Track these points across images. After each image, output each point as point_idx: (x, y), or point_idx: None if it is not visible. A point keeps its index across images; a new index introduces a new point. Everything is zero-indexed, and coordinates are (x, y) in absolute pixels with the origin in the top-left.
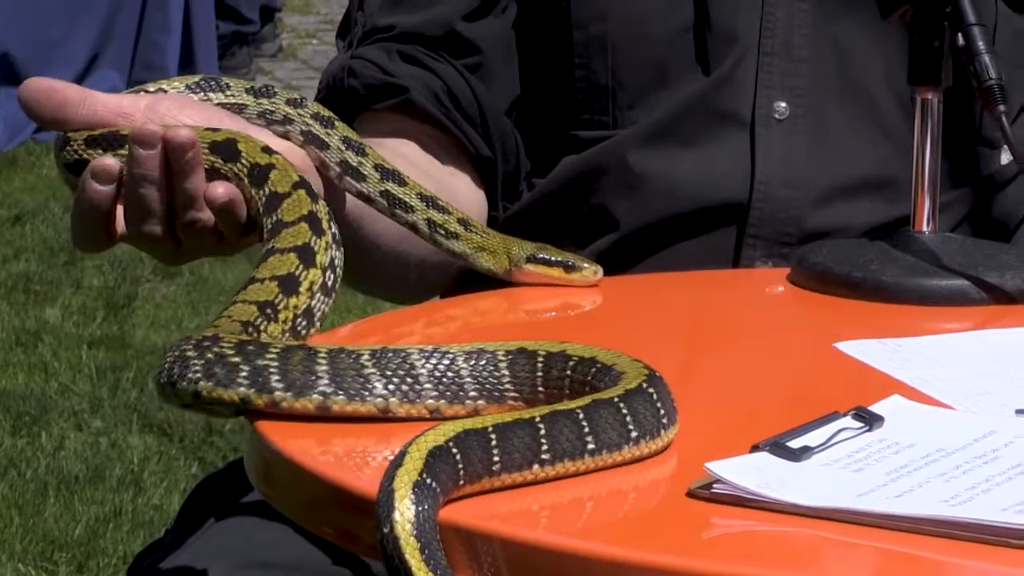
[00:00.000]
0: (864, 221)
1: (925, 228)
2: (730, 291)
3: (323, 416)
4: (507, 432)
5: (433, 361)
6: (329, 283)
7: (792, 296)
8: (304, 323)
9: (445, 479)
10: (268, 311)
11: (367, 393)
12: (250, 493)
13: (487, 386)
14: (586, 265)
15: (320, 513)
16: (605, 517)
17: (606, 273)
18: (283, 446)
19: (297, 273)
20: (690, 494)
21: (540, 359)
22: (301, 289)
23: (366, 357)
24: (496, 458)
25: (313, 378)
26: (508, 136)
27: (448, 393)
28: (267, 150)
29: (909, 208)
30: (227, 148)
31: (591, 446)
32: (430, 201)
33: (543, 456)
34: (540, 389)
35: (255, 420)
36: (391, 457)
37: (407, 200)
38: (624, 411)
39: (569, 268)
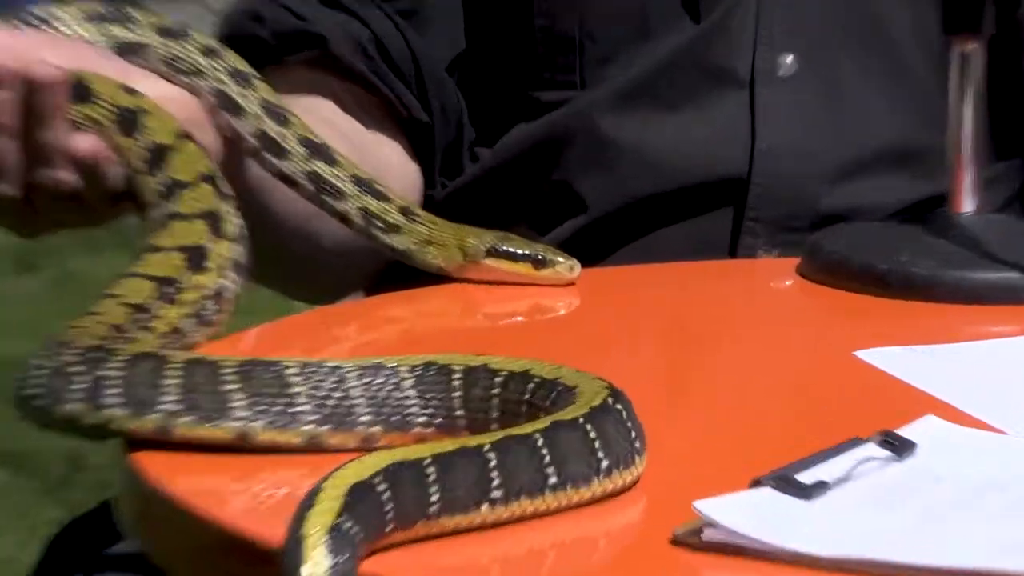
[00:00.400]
0: (890, 200)
1: (966, 208)
2: (725, 286)
3: (183, 442)
4: (449, 464)
5: (315, 378)
6: (241, 259)
7: (802, 292)
8: (214, 307)
9: (369, 523)
10: (168, 289)
11: (223, 416)
12: (123, 542)
13: (384, 410)
14: (560, 259)
15: (212, 566)
16: (571, 570)
17: None
18: (164, 483)
19: (206, 244)
20: (675, 540)
21: (456, 376)
22: (210, 264)
23: (230, 371)
24: (434, 497)
25: (158, 394)
26: (449, 97)
27: (333, 418)
28: (128, 89)
29: (944, 184)
30: (77, 90)
31: (553, 480)
32: (366, 185)
33: (494, 494)
34: (459, 413)
35: (130, 450)
36: (302, 496)
37: (338, 184)
38: (592, 435)
39: (539, 263)
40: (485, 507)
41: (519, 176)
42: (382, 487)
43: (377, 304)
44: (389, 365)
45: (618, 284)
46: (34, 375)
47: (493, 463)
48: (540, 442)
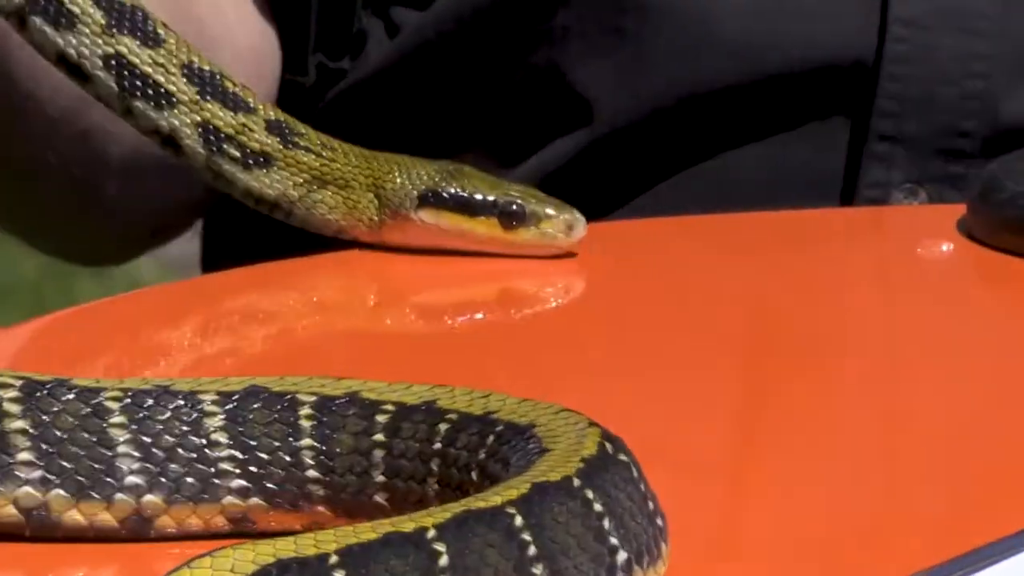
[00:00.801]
0: None
1: None
2: (838, 253)
3: None
4: (365, 562)
5: (42, 408)
6: None
7: (970, 261)
8: None
9: None
10: None
11: None
12: None
13: (171, 466)
14: (551, 211)
15: None
16: None
17: None
18: None
19: None
20: None
21: (317, 414)
22: None
23: None
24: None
25: None
26: None
27: (71, 478)
28: None
29: None
30: None
31: None
32: (209, 82)
33: None
34: (331, 478)
35: None
36: None
37: (162, 81)
38: (598, 507)
39: (513, 217)
40: None
41: (470, 59)
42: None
43: (220, 287)
44: (184, 390)
45: (645, 251)
46: None
47: (445, 559)
48: (519, 521)
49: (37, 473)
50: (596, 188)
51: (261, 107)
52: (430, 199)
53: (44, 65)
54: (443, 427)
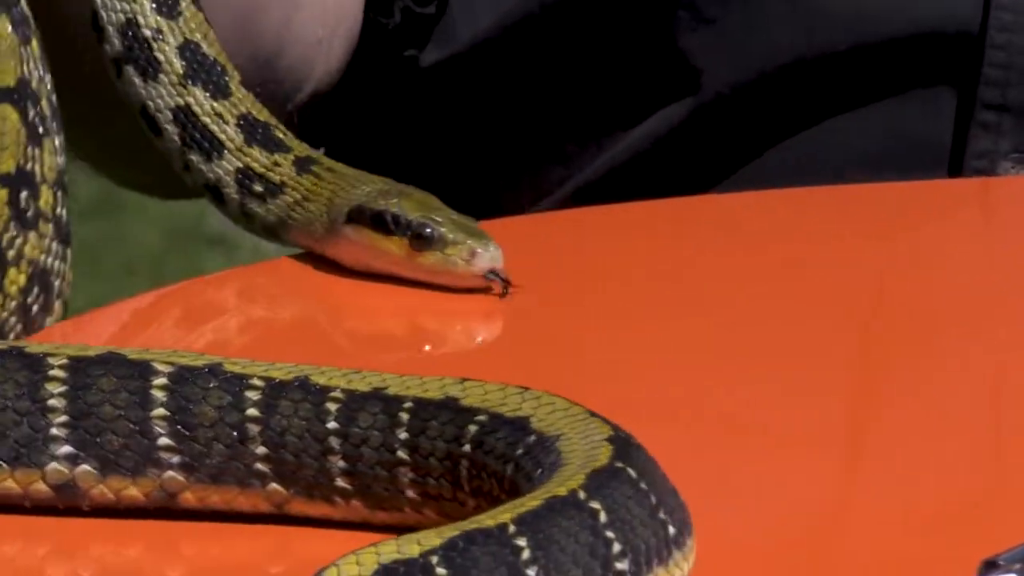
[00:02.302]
0: None
1: None
2: (945, 223)
3: None
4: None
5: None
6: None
7: None
8: (39, 296)
9: None
10: None
11: None
12: None
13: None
14: (457, 238)
15: None
16: None
17: (657, 184)
18: None
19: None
20: None
21: (343, 406)
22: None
23: None
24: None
25: None
26: None
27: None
28: None
29: None
30: None
31: None
32: (259, 129)
33: None
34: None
35: None
36: None
37: (216, 131)
38: (603, 519)
39: (423, 241)
40: None
41: (576, 29)
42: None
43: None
44: (231, 371)
45: (747, 226)
46: None
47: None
48: (522, 540)
49: (66, 449)
50: (702, 157)
51: (296, 146)
52: (355, 214)
53: None
54: (472, 428)
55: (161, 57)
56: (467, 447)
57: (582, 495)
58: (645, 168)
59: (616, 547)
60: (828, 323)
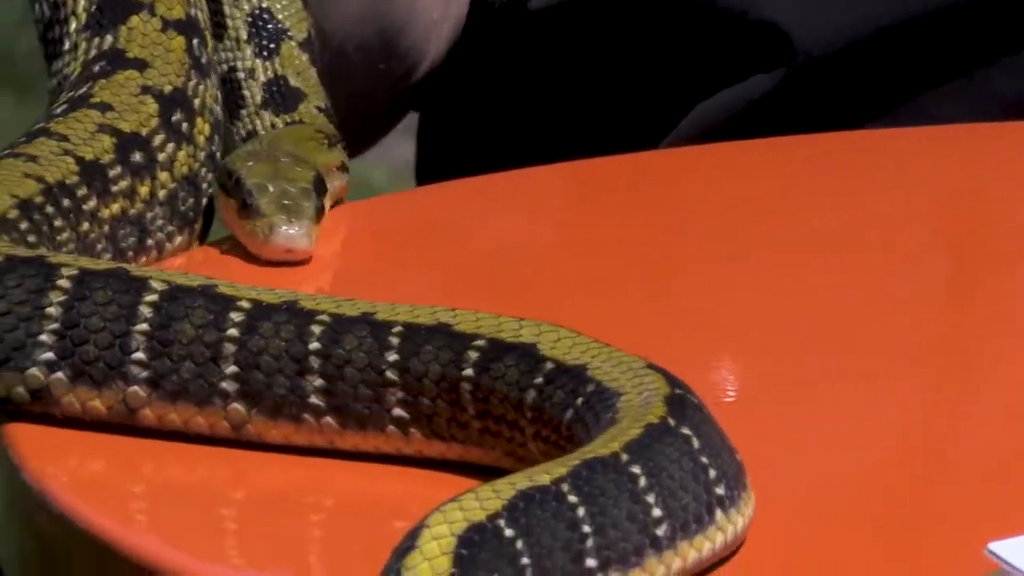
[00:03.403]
0: None
1: None
2: None
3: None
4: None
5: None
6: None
7: None
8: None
9: None
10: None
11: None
12: None
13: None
14: (270, 214)
15: None
16: None
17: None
18: (69, 497)
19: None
20: None
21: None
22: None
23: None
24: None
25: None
26: None
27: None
28: None
29: None
30: None
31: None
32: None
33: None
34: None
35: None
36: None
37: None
38: (643, 482)
39: (244, 208)
40: None
41: None
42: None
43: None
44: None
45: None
46: None
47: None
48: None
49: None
50: (795, 123)
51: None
52: (219, 174)
53: None
54: (538, 376)
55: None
56: (531, 392)
57: (624, 457)
58: (740, 130)
59: (656, 512)
60: (925, 257)
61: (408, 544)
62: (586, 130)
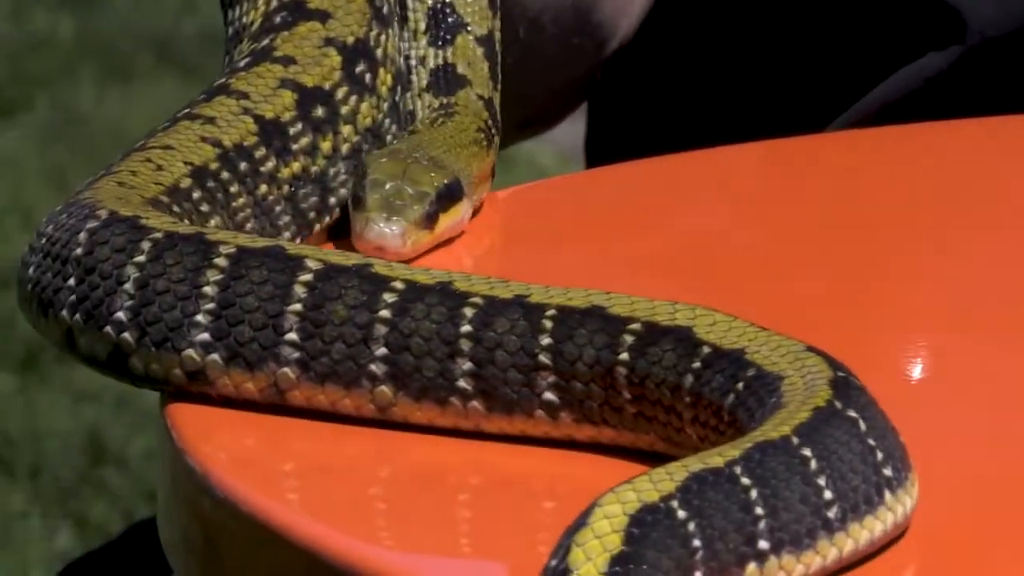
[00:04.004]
0: None
1: None
2: None
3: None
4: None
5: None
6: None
7: None
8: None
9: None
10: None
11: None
12: None
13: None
14: (368, 209)
15: None
16: None
17: None
18: (230, 480)
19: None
20: None
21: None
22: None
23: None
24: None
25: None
26: None
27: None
28: None
29: None
30: None
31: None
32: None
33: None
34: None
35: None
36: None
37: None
38: (814, 464)
39: (355, 200)
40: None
41: None
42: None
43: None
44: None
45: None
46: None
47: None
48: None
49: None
50: (969, 104)
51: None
52: None
53: None
54: (696, 360)
55: None
56: (689, 377)
57: (794, 440)
58: (916, 108)
59: (827, 494)
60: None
61: (580, 522)
62: (756, 110)
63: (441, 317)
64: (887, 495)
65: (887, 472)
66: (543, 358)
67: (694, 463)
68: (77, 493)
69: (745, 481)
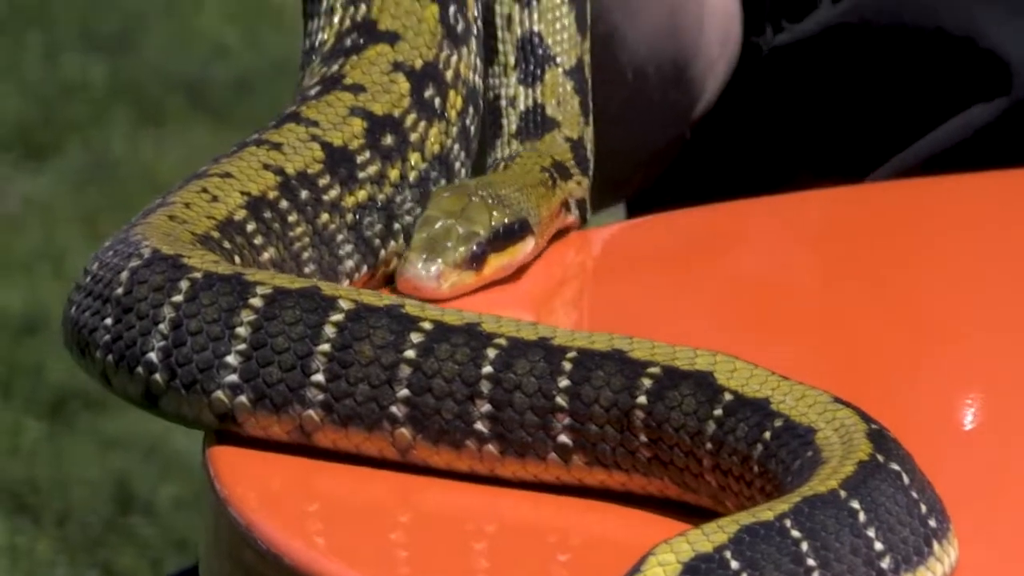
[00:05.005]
0: None
1: None
2: None
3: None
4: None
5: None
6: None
7: None
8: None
9: None
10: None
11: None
12: None
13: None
14: (410, 250)
15: None
16: None
17: None
18: (268, 526)
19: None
20: None
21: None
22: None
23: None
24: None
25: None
26: None
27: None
28: None
29: None
30: None
31: None
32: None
33: None
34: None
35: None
36: None
37: None
38: (863, 517)
39: (408, 237)
40: None
41: (889, 27)
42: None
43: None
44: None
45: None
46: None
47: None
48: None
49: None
50: (1016, 155)
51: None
52: None
53: None
54: (717, 407)
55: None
56: (711, 424)
57: (842, 494)
58: (963, 159)
59: (878, 546)
60: None
61: (634, 569)
62: (802, 158)
63: (464, 358)
64: (935, 546)
65: (932, 523)
66: (560, 400)
67: (744, 517)
68: (105, 541)
69: (796, 534)
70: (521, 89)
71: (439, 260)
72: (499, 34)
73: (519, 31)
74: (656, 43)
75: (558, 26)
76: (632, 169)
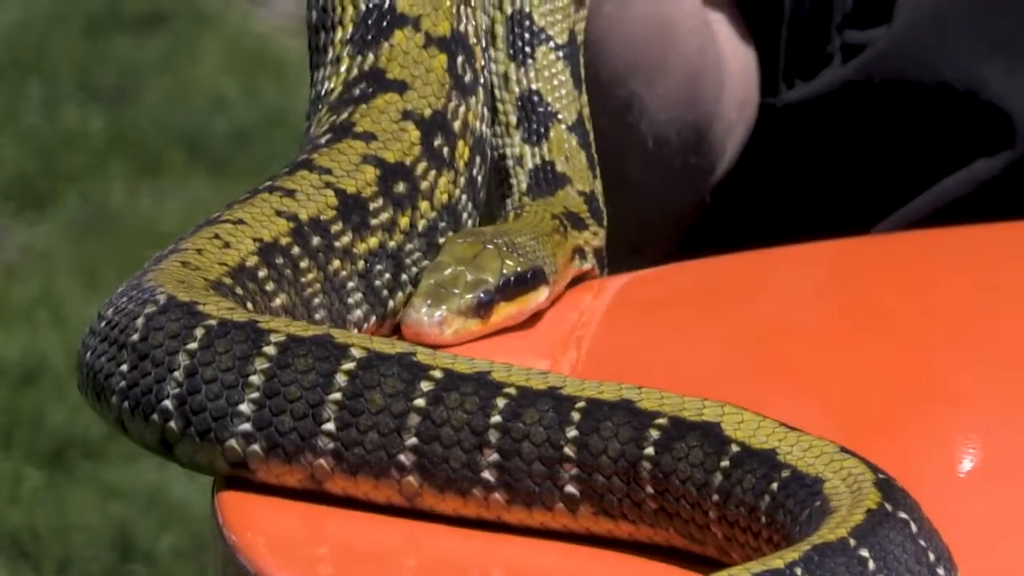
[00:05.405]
0: None
1: None
2: None
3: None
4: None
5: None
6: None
7: None
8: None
9: None
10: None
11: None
12: None
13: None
14: (415, 297)
15: None
16: None
17: None
18: (277, 572)
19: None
20: None
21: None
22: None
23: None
24: None
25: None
26: None
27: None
28: None
29: None
30: None
31: None
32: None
33: None
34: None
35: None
36: None
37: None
38: (872, 565)
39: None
40: None
41: (896, 85)
42: None
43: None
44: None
45: None
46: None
47: None
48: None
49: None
50: (1020, 207)
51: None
52: None
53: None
54: (724, 458)
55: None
56: (718, 476)
57: (852, 543)
58: (967, 211)
59: None
60: None
61: None
62: (806, 211)
63: (473, 407)
64: None
65: (940, 572)
66: (568, 450)
67: (755, 566)
68: None
69: None
70: (527, 148)
71: (443, 306)
72: (497, 93)
73: (517, 89)
74: (676, 110)
75: (556, 82)
76: (651, 235)
